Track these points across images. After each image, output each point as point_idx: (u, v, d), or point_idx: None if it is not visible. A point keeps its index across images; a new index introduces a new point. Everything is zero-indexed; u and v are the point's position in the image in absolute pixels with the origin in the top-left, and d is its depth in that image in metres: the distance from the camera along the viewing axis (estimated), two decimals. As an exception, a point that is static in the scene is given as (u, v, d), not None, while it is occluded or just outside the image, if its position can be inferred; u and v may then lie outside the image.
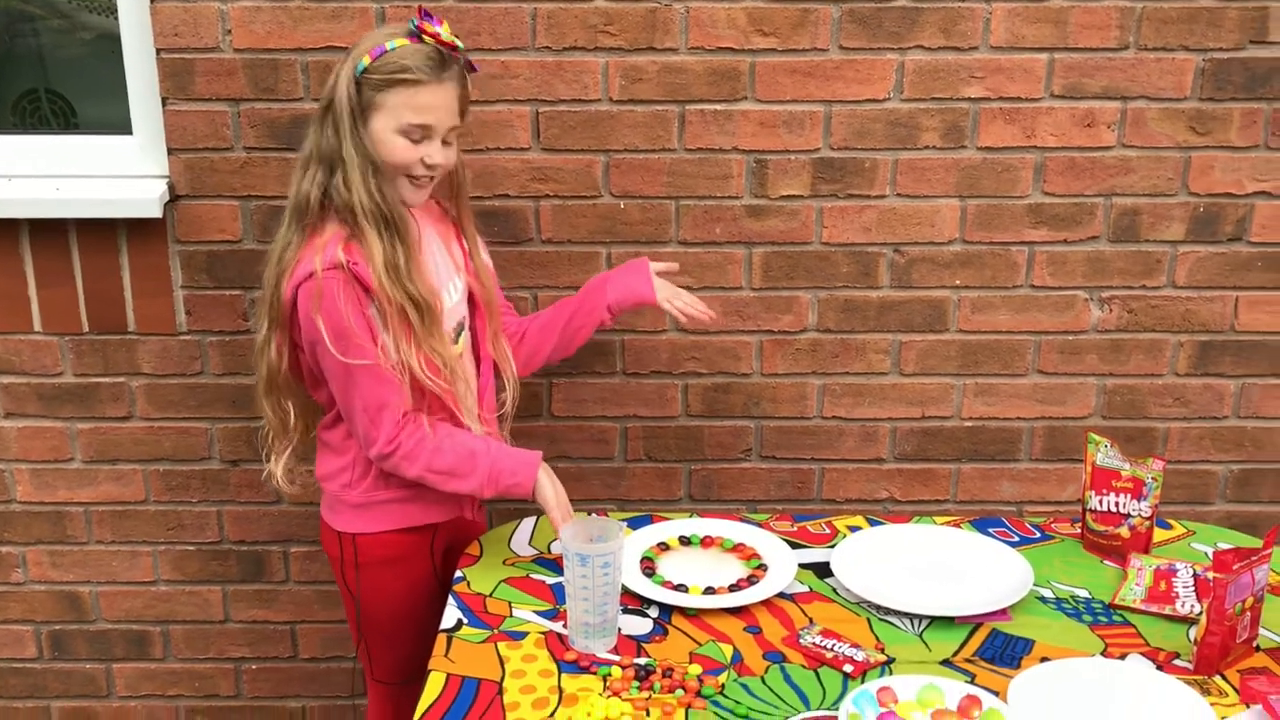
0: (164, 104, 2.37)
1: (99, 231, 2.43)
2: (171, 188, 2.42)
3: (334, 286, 1.85)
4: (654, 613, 1.97)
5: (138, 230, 2.42)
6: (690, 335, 2.53)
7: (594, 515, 2.04)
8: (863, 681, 1.78)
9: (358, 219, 1.88)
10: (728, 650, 1.87)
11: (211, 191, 2.41)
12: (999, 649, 1.88)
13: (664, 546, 2.18)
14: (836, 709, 1.71)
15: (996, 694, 1.73)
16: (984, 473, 2.62)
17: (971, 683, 1.77)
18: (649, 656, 1.84)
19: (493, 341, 2.12)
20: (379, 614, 2.06)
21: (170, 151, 2.40)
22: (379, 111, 1.89)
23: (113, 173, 2.45)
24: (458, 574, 2.09)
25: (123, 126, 2.44)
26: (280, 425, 2.05)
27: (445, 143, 1.96)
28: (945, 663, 1.85)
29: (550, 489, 1.99)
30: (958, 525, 2.22)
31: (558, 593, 2.02)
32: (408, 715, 2.14)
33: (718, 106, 2.37)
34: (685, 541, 2.19)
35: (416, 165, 1.92)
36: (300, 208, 1.94)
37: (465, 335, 2.09)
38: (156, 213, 2.38)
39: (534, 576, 2.08)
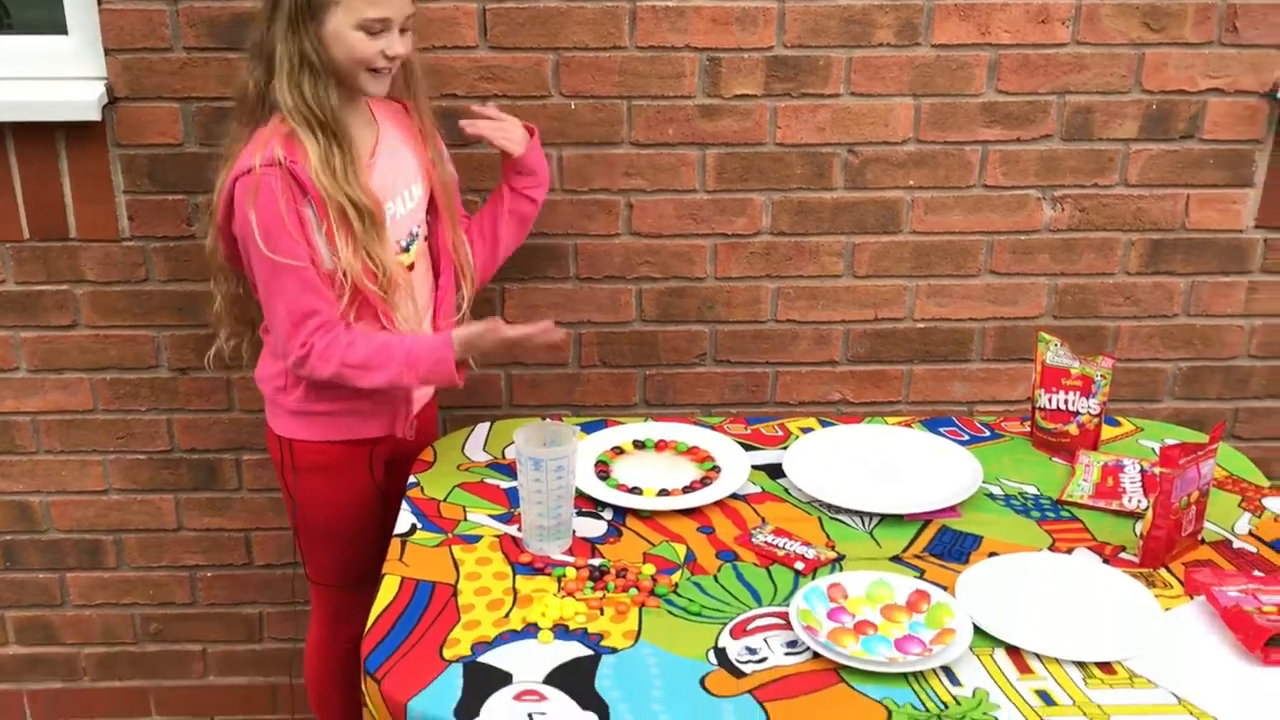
0: (99, 3, 2.29)
1: (37, 135, 2.37)
2: (110, 90, 2.35)
3: (270, 183, 1.83)
4: (608, 515, 1.97)
5: (77, 134, 2.36)
6: (644, 239, 2.50)
7: (548, 420, 2.05)
8: (814, 578, 1.78)
9: (292, 120, 1.87)
10: (681, 550, 1.87)
11: (151, 93, 2.34)
12: (948, 545, 1.88)
13: (618, 450, 2.17)
14: (788, 605, 1.71)
15: (945, 588, 1.75)
16: (936, 373, 2.63)
17: (920, 578, 1.78)
18: (603, 557, 1.84)
19: (454, 246, 2.10)
20: (315, 518, 2.05)
21: (107, 52, 2.32)
22: (335, 9, 1.87)
23: (49, 75, 2.37)
24: (411, 479, 2.07)
25: (58, 27, 2.36)
26: (222, 310, 2.07)
27: (402, 30, 1.94)
28: (895, 559, 1.86)
29: (477, 338, 1.92)
30: (909, 425, 2.22)
31: (512, 497, 2.02)
32: (349, 617, 2.14)
33: (669, 2, 2.32)
34: (640, 445, 2.18)
35: (377, 58, 1.90)
36: (243, 104, 1.94)
37: (419, 243, 2.07)
38: (95, 115, 2.31)
39: (488, 481, 2.07)
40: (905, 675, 1.58)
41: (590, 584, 1.76)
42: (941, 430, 2.21)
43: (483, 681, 1.55)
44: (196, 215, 2.42)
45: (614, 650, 1.62)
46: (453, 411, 2.59)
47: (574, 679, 1.56)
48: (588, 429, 2.20)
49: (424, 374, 1.93)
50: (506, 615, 1.68)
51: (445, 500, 2.00)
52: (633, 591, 1.75)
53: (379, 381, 1.91)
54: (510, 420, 2.22)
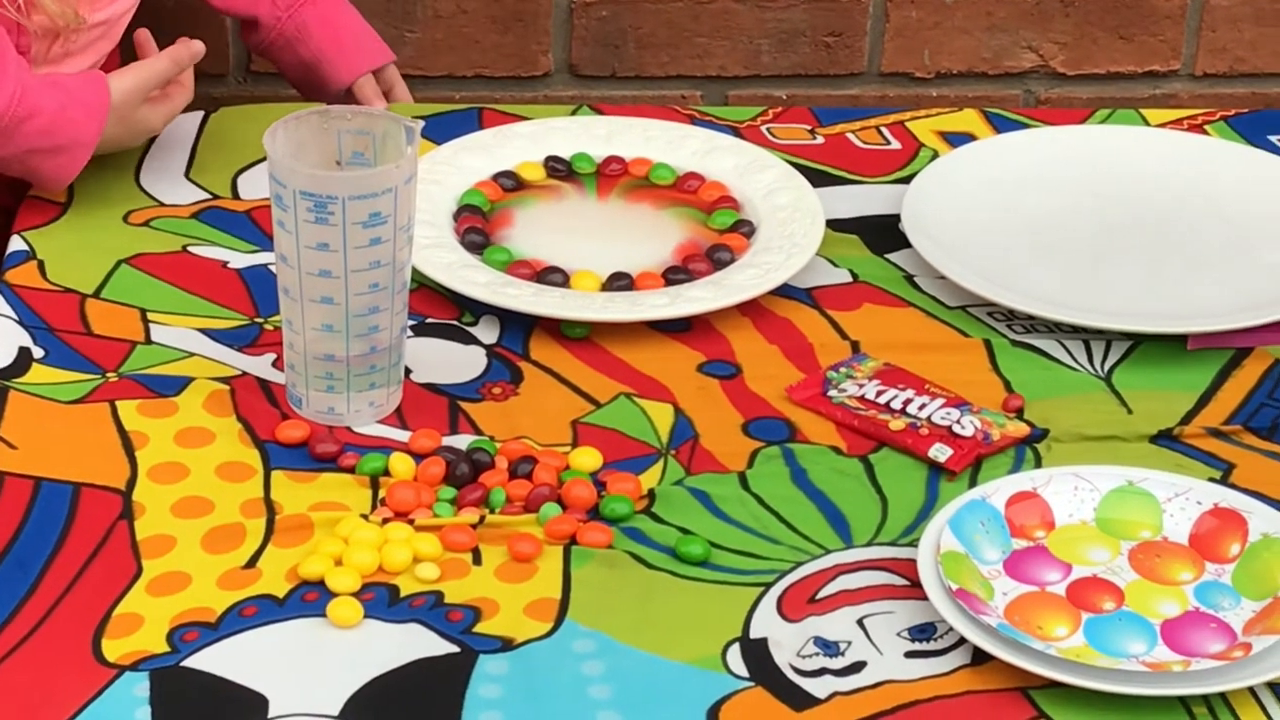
0: None
1: None
2: None
3: None
4: (489, 335, 1.31)
5: None
6: None
7: (342, 106, 1.34)
8: (975, 484, 1.14)
9: None
10: (662, 416, 1.21)
11: None
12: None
13: (513, 182, 1.50)
14: (914, 544, 1.09)
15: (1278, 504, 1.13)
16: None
17: (1225, 482, 1.11)
18: (479, 433, 1.20)
19: None
20: None
21: None
22: None
23: None
24: (15, 245, 1.36)
25: None
26: None
27: None
28: (1162, 439, 1.17)
29: (142, 83, 1.36)
30: (1196, 125, 1.51)
31: (258, 288, 1.33)
32: None
33: None
34: (562, 171, 1.53)
35: None
36: None
37: None
38: None
39: (197, 251, 1.37)
40: (1183, 701, 1.00)
41: (450, 493, 1.14)
42: (1273, 139, 1.52)
43: (197, 715, 1.00)
44: None
45: (508, 645, 1.05)
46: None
47: (415, 709, 1.00)
48: (440, 127, 1.49)
49: (30, 144, 1.33)
50: (251, 563, 1.10)
51: (99, 295, 1.32)
52: (548, 513, 1.13)
53: None
54: (253, 106, 1.49)
